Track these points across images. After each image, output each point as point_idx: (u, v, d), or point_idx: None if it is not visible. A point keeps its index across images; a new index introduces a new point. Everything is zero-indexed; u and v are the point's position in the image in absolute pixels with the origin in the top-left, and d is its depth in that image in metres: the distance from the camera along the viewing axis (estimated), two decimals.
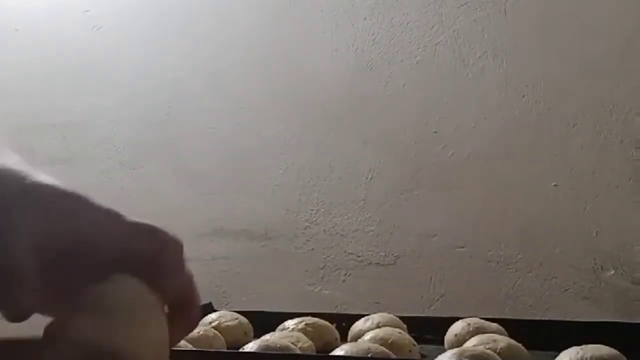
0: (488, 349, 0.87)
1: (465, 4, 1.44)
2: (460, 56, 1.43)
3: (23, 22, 1.70)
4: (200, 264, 1.56)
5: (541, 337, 1.03)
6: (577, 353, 0.77)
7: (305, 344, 0.98)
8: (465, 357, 0.76)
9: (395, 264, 1.44)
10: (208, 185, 1.57)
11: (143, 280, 0.37)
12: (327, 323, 1.09)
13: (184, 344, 0.92)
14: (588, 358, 0.73)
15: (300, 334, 1.01)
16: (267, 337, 0.98)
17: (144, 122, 1.60)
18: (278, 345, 0.90)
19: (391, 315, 1.12)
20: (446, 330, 1.08)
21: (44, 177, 0.37)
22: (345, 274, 1.47)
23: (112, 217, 0.37)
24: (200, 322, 1.07)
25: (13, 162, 0.38)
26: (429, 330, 1.12)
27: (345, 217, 1.48)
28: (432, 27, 1.46)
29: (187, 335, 0.41)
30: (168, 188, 1.56)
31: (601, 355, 0.75)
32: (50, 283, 0.35)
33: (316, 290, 1.48)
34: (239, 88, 1.57)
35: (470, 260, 1.39)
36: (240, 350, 0.94)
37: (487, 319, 1.08)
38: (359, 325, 1.10)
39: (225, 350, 1.01)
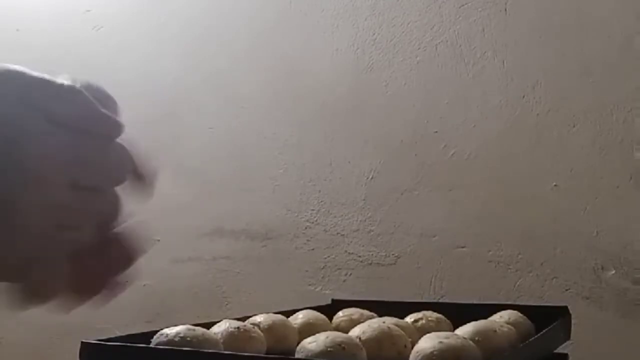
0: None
1: (466, 4, 1.44)
2: (461, 56, 1.43)
3: (24, 22, 1.70)
4: (200, 264, 1.56)
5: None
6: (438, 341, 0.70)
7: None
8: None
9: (396, 264, 1.44)
10: (208, 185, 1.57)
11: None
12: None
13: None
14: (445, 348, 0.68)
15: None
16: None
17: (144, 122, 1.60)
18: None
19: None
20: None
21: None
22: (346, 274, 1.47)
23: None
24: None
25: None
26: None
27: (346, 217, 1.48)
28: (433, 27, 1.46)
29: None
30: (168, 188, 1.56)
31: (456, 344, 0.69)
32: None
33: (317, 290, 1.48)
34: (239, 88, 1.57)
35: (470, 260, 1.39)
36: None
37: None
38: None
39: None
